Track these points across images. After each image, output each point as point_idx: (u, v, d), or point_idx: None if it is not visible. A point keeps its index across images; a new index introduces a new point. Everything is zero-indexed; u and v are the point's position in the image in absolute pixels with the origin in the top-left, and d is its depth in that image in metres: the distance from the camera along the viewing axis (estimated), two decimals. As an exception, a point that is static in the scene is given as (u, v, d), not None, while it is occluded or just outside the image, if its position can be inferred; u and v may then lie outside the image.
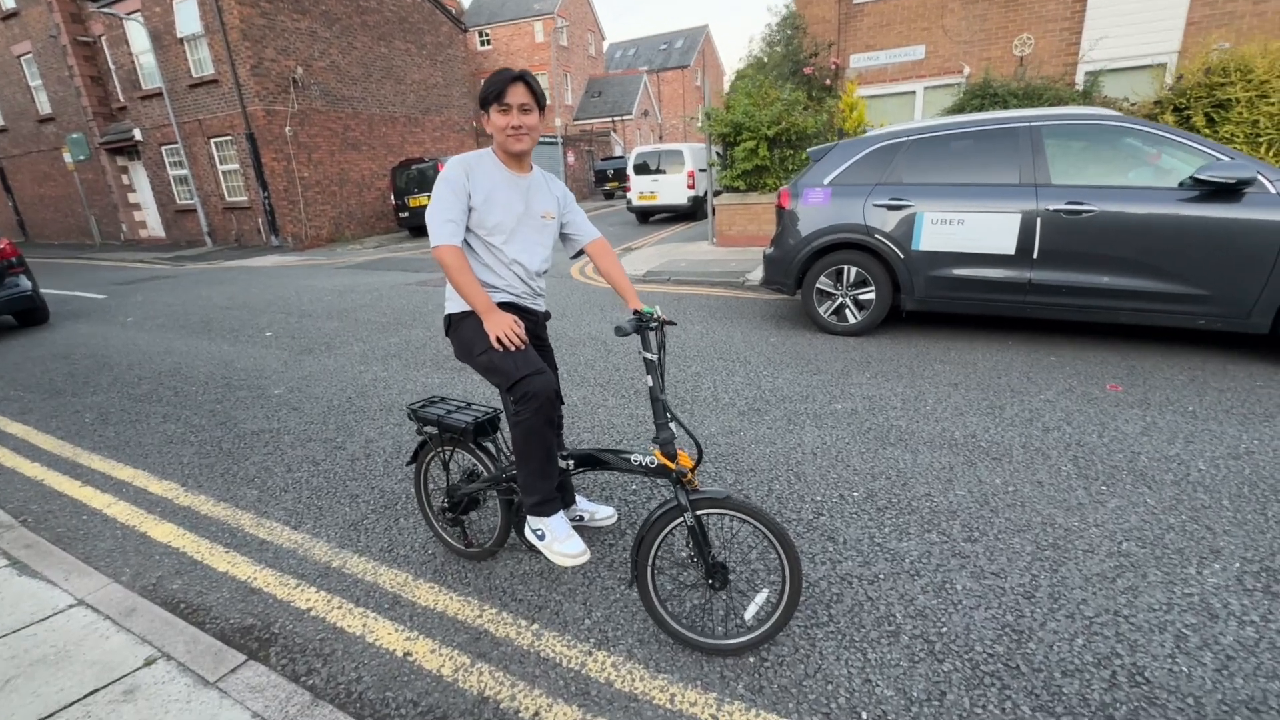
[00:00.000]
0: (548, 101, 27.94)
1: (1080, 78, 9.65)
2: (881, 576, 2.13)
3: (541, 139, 25.94)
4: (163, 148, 15.69)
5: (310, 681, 1.87)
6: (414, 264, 10.73)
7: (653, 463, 1.83)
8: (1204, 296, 3.63)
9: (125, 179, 17.45)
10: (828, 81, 11.23)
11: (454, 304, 2.02)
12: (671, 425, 1.80)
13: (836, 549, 2.28)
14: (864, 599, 2.03)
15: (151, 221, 17.53)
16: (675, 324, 1.98)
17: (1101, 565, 2.09)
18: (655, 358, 1.79)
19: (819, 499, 2.60)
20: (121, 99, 16.21)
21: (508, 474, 2.09)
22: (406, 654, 1.95)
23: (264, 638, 2.06)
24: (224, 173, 14.95)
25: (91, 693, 1.84)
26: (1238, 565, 2.04)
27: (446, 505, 2.29)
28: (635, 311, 1.83)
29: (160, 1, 14.12)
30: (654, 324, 1.79)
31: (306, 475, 3.13)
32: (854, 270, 4.58)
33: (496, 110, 1.85)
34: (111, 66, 16.09)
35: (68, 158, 17.14)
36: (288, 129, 14.01)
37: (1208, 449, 2.76)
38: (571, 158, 24.59)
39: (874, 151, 4.51)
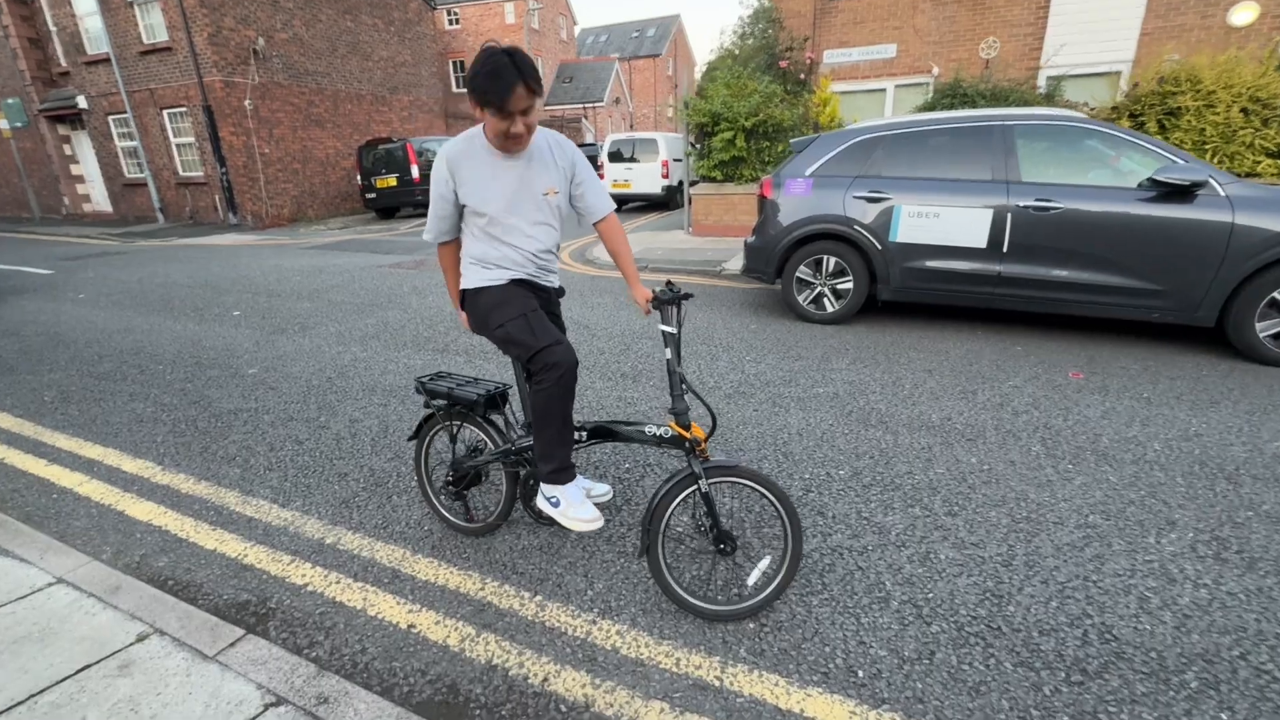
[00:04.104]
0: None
1: (1042, 82, 10.04)
2: (870, 548, 2.23)
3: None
4: (110, 117, 14.88)
5: (314, 654, 1.87)
6: (384, 245, 10.49)
7: (667, 433, 1.89)
8: (1158, 291, 3.87)
9: (68, 149, 16.47)
10: (802, 76, 11.39)
11: (468, 279, 2.02)
12: (686, 398, 1.86)
13: (826, 523, 2.38)
14: (854, 568, 2.13)
15: (97, 195, 16.63)
16: (689, 296, 1.99)
17: (1071, 536, 2.24)
18: (675, 331, 1.84)
19: (807, 476, 2.70)
20: (64, 63, 15.27)
21: (518, 446, 2.11)
22: (410, 626, 1.96)
23: (261, 613, 2.04)
24: (178, 146, 14.28)
25: (84, 668, 1.79)
26: (1191, 535, 2.22)
27: (450, 479, 2.29)
28: (668, 283, 1.87)
29: (108, -39, 13.35)
30: (683, 297, 1.84)
31: (291, 454, 3.08)
32: (833, 260, 4.70)
33: (494, 114, 1.70)
34: (52, 29, 15.12)
35: (3, 124, 16.08)
36: (248, 102, 13.45)
37: (1162, 431, 2.96)
38: (542, 143, 24.27)
39: (855, 145, 4.63)
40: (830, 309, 4.83)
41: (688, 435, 1.85)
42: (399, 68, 17.85)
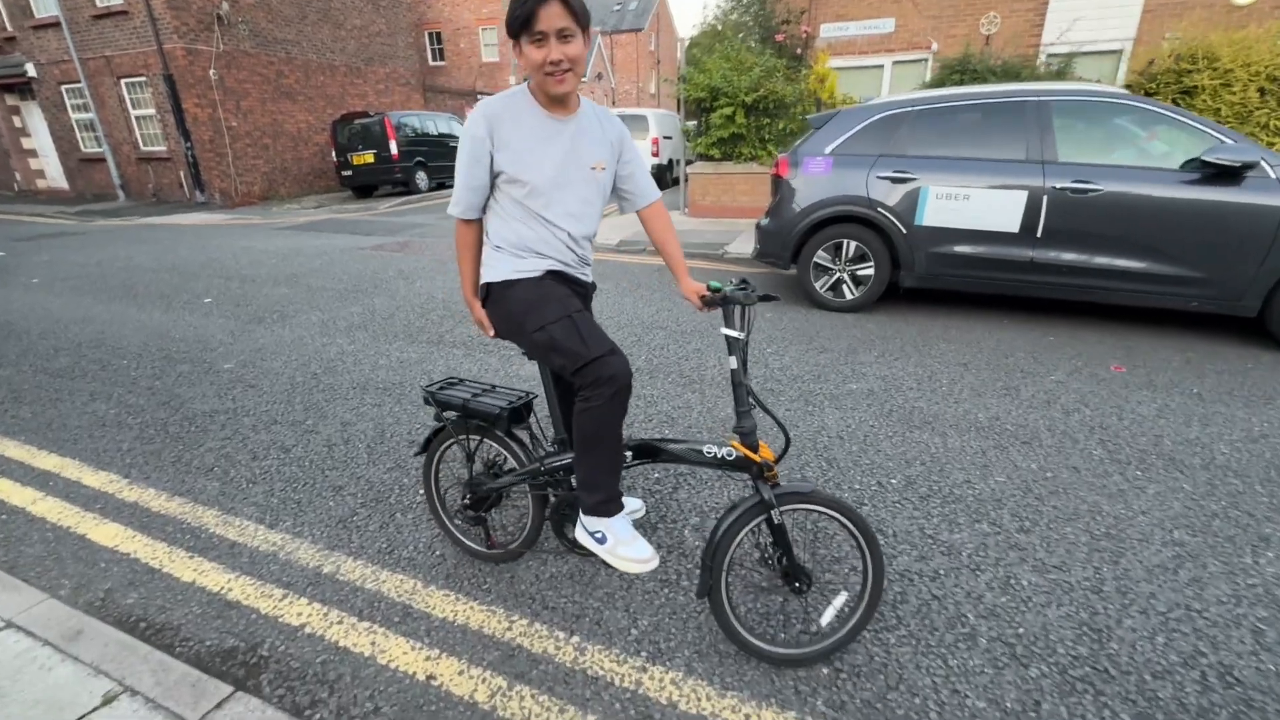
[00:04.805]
0: (499, 60, 26.48)
1: (1042, 60, 9.82)
2: (942, 572, 2.00)
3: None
4: (63, 87, 13.92)
5: (317, 716, 1.58)
6: (363, 226, 9.98)
7: (730, 454, 1.61)
8: (1200, 279, 3.69)
9: (17, 121, 15.44)
10: (798, 50, 11.02)
11: (493, 270, 1.70)
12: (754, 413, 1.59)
13: (889, 542, 2.14)
14: (929, 598, 1.90)
15: (52, 171, 15.65)
16: (777, 299, 1.71)
17: (1160, 556, 2.03)
18: (742, 337, 1.56)
19: (857, 487, 2.46)
20: (9, 27, 14.21)
21: (547, 466, 1.82)
22: (430, 677, 1.68)
23: (251, 662, 1.75)
24: (138, 118, 13.43)
25: (38, 745, 1.49)
26: (1289, 553, 2.03)
27: (468, 501, 2.00)
28: (743, 281, 1.58)
29: (54, -85, 12.35)
30: (755, 298, 1.54)
31: (276, 464, 2.75)
32: (853, 245, 4.44)
33: (529, 42, 1.45)
34: (-5, -12, 14.05)
35: (-56, 93, 14.98)
36: (212, 72, 12.66)
37: (1224, 432, 2.77)
38: (524, 119, 23.53)
39: (878, 121, 4.34)
40: (850, 296, 4.58)
41: (756, 458, 1.58)
42: (373, 37, 17.00)
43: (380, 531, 2.29)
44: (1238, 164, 3.43)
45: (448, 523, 2.14)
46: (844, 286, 4.59)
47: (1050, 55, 9.59)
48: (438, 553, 2.17)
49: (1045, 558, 2.04)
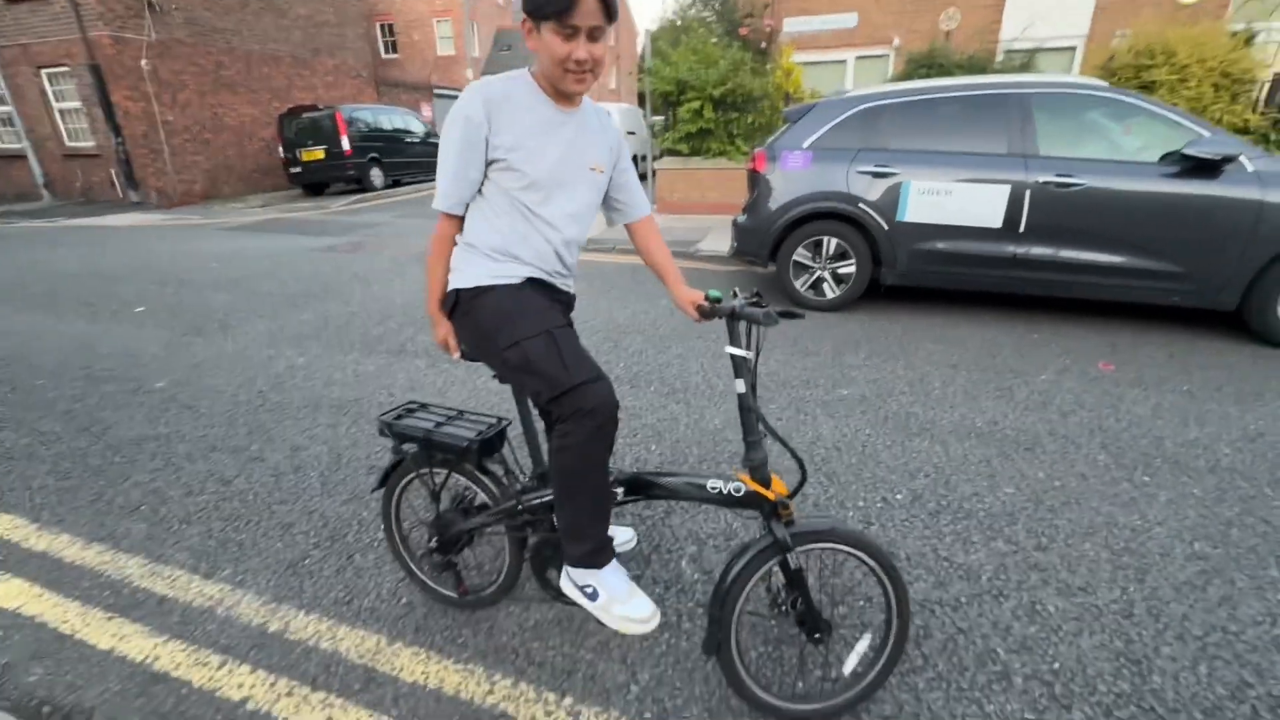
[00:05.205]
0: (455, 53, 25.79)
1: (1001, 57, 9.95)
2: (963, 600, 1.85)
3: (451, 93, 23.77)
4: (-26, 77, 12.82)
5: (262, 820, 1.32)
6: (314, 226, 9.45)
7: (739, 490, 1.40)
8: (1180, 274, 3.67)
9: (-76, 114, 14.17)
10: (763, 44, 10.92)
11: (463, 274, 1.46)
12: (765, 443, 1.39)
13: (902, 567, 1.98)
14: (954, 631, 1.74)
15: (-35, 168, 14.42)
16: (801, 316, 1.49)
17: (1185, 572, 1.92)
18: (749, 356, 1.35)
19: (861, 504, 2.30)
20: (-89, 12, 13.00)
21: (525, 503, 1.59)
22: (399, 760, 1.43)
23: (181, 753, 1.47)
24: (62, 112, 12.46)
25: None
26: (1313, 563, 1.95)
27: (435, 545, 1.75)
28: (755, 294, 1.38)
29: (-42, -111, 11.32)
30: (775, 317, 1.29)
31: (215, 499, 2.43)
32: (834, 242, 4.30)
33: (555, 31, 1.24)
34: (-107, -31, 12.81)
35: None
36: (144, 62, 11.82)
37: (1223, 432, 2.72)
38: (483, 114, 22.89)
39: (858, 114, 4.21)
40: (830, 295, 4.44)
41: (770, 494, 1.38)
42: (320, 27, 16.22)
43: (336, 577, 2.01)
44: (1217, 157, 3.41)
45: (413, 567, 1.88)
46: (825, 285, 4.45)
47: (1009, 51, 9.73)
48: (404, 600, 1.91)
49: (1069, 579, 1.91)
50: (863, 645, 1.54)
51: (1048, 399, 3.06)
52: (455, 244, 1.49)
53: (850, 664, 1.53)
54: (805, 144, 4.31)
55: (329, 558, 2.10)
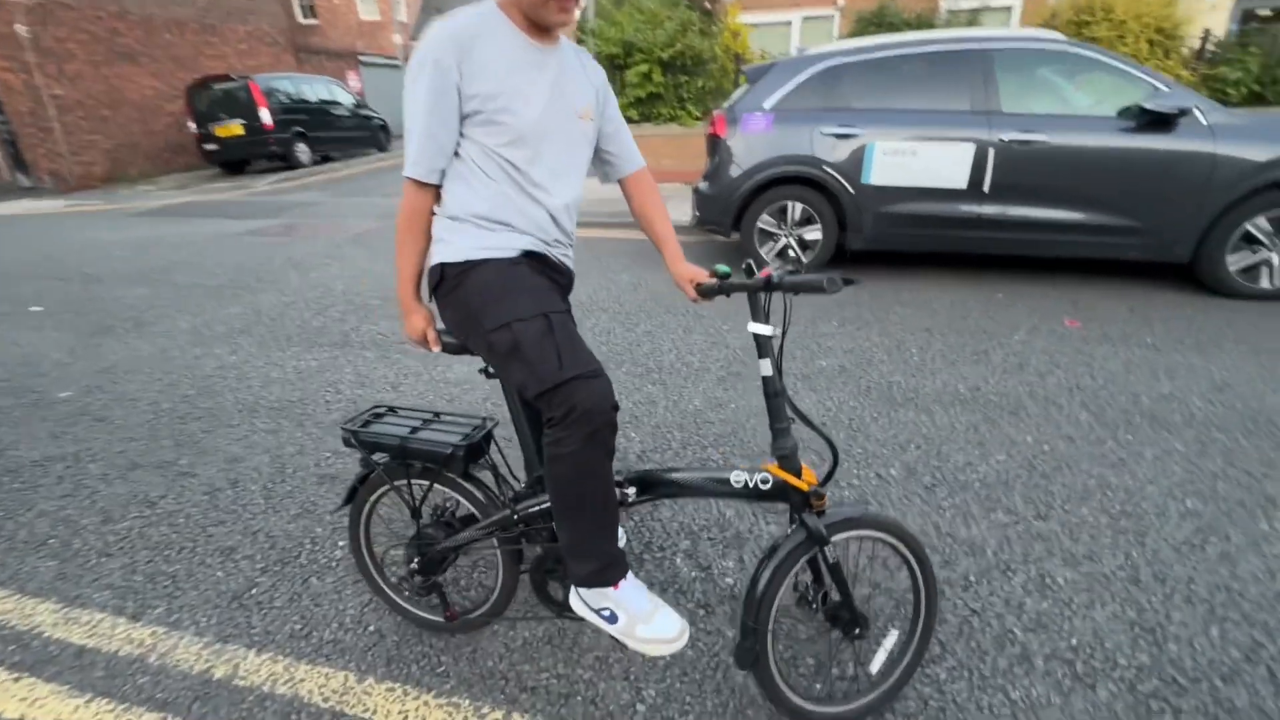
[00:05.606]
0: (380, 18, 24.25)
1: (943, 16, 9.97)
2: (973, 579, 1.78)
3: (380, 61, 22.36)
4: None
5: None
6: (238, 208, 8.72)
7: (766, 481, 1.25)
8: (1136, 228, 3.71)
9: None
10: (707, 4, 10.59)
11: (449, 247, 1.25)
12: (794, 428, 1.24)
13: (907, 548, 1.89)
14: (968, 613, 1.67)
15: None
16: (856, 282, 1.19)
17: (1182, 531, 1.91)
18: (772, 334, 1.19)
19: (856, 482, 2.20)
20: None
21: (521, 512, 1.40)
22: (381, 821, 1.25)
23: (114, 840, 1.24)
24: (-73, 86, 11.00)
25: None
26: (1299, 513, 1.96)
27: (416, 566, 1.53)
28: (797, 260, 1.21)
29: None
30: (830, 281, 1.04)
31: (139, 525, 2.13)
32: (799, 207, 4.17)
33: None
34: None
35: None
36: (21, 27, 10.51)
37: (1192, 384, 2.75)
38: (415, 84, 21.63)
39: (820, 73, 4.05)
40: (798, 262, 4.33)
41: (802, 484, 1.23)
42: (229, -11, 14.84)
43: (291, 606, 1.78)
44: (1175, 111, 3.42)
45: (390, 594, 1.67)
46: (790, 252, 4.33)
47: (951, 11, 9.75)
48: (371, 628, 1.70)
49: (1073, 547, 1.87)
50: (890, 643, 1.43)
51: (1023, 360, 3.04)
52: (432, 217, 1.27)
53: (878, 663, 1.42)
54: (766, 105, 4.13)
55: (280, 585, 1.85)
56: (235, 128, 11.78)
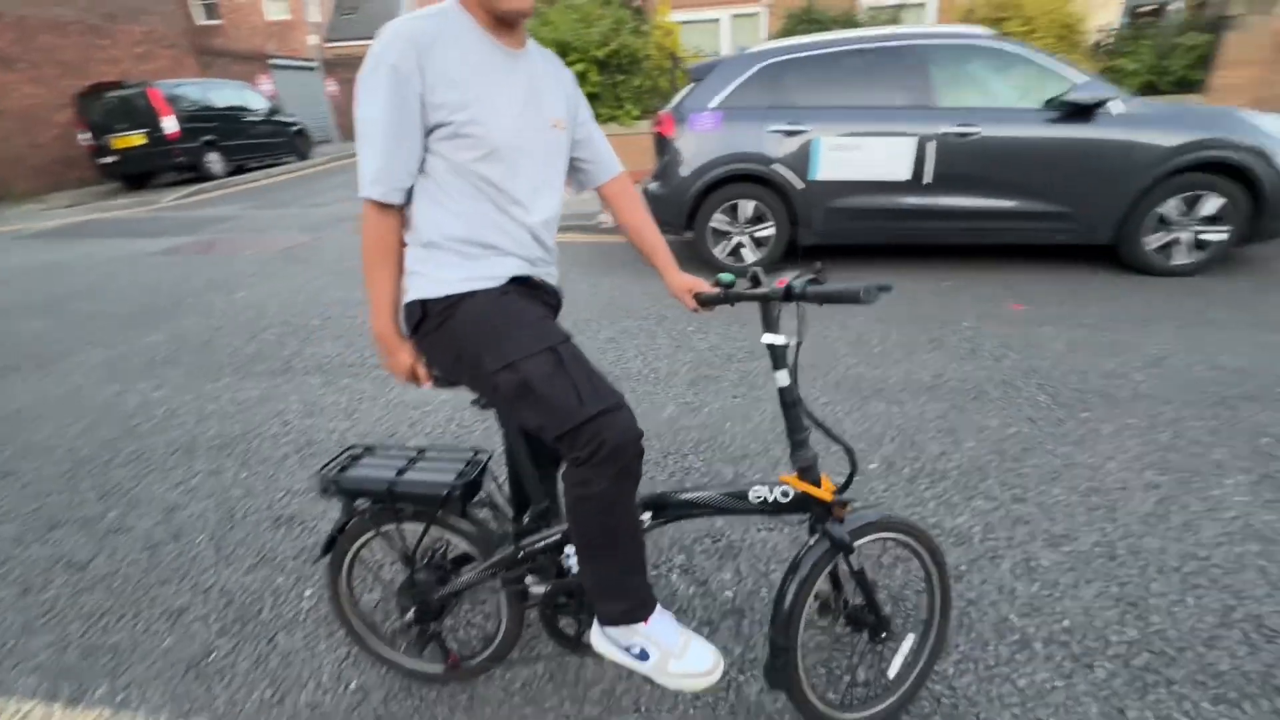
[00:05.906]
0: (290, 18, 23.00)
1: (864, 13, 10.32)
2: (964, 567, 1.81)
3: (293, 64, 21.23)
4: None
5: None
6: (146, 225, 8.04)
7: (786, 494, 1.22)
8: (1063, 214, 3.92)
9: None
10: (639, 2, 10.57)
11: (428, 280, 1.14)
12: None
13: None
14: (964, 603, 1.69)
15: None
16: (890, 288, 1.14)
17: (1147, 504, 2.01)
18: (786, 344, 1.15)
19: (840, 479, 2.20)
20: None
21: (526, 549, 1.30)
22: None
23: None
24: None
25: None
26: (1243, 477, 2.10)
27: (413, 616, 1.41)
28: (816, 269, 1.13)
29: None
30: (867, 291, 1.01)
31: (68, 593, 1.89)
32: (751, 205, 4.20)
33: None
34: None
35: None
36: None
37: (1133, 360, 2.92)
38: (334, 86, 20.74)
39: (763, 69, 4.08)
40: (750, 259, 4.36)
41: (825, 494, 1.21)
42: (115, -12, 13.66)
43: (257, 670, 1.61)
44: (1095, 101, 3.63)
45: (382, 649, 1.53)
46: (744, 250, 4.36)
47: (871, 8, 10.11)
48: (353, 685, 1.56)
49: (1051, 528, 1.93)
50: (907, 645, 1.42)
51: (976, 346, 3.15)
52: (401, 242, 1.15)
53: (895, 667, 1.42)
54: (712, 104, 4.13)
55: (243, 646, 1.68)
56: (135, 138, 10.88)
